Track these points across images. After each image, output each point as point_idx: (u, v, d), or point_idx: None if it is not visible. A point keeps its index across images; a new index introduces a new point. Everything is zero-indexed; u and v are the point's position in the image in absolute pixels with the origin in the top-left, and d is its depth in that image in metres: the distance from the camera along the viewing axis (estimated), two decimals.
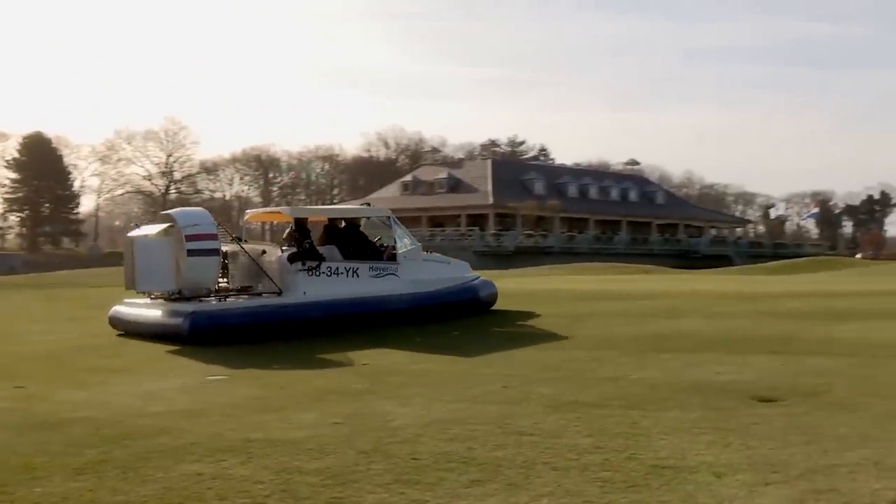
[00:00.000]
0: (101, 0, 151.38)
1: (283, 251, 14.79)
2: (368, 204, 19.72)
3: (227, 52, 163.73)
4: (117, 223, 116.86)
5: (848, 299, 16.22)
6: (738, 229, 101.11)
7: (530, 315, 15.31)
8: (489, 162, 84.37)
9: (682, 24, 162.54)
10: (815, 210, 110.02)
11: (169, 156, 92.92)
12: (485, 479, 4.94)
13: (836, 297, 17.03)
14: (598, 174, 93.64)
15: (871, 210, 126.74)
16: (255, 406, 7.48)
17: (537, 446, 5.63)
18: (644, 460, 5.23)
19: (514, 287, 19.73)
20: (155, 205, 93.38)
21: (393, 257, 15.50)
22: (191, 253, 13.29)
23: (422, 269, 15.74)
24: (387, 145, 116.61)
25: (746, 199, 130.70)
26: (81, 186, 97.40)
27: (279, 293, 14.06)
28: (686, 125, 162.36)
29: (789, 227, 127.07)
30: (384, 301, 14.74)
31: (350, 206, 19.60)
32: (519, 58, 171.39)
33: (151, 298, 14.28)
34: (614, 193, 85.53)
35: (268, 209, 17.27)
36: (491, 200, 71.79)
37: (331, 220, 16.33)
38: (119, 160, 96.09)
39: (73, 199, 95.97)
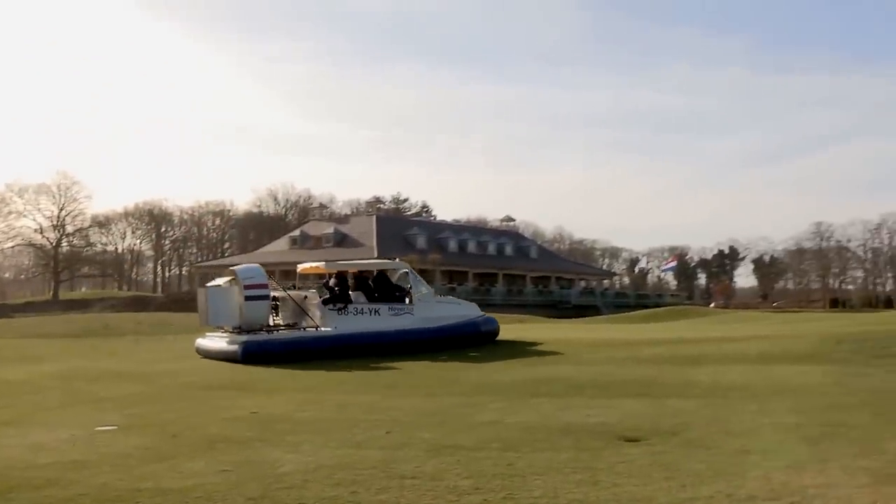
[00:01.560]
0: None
1: (321, 296, 18.76)
2: (395, 258, 24.46)
3: (120, 109, 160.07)
4: (7, 275, 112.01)
5: (702, 346, 16.74)
6: (605, 281, 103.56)
7: (413, 363, 15.32)
8: (374, 218, 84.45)
9: (551, 92, 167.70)
10: (673, 263, 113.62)
11: (61, 209, 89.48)
12: None
13: (692, 343, 17.56)
14: (476, 230, 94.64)
15: (722, 263, 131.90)
16: (145, 456, 7.20)
17: (419, 489, 5.60)
18: (520, 500, 5.26)
19: None
20: (46, 258, 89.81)
21: (410, 300, 19.08)
22: (248, 298, 17.36)
23: (433, 309, 19.19)
24: (276, 201, 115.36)
25: (612, 253, 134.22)
26: None
27: (317, 328, 17.94)
28: (557, 185, 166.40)
29: (651, 278, 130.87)
30: (397, 333, 18.18)
31: (375, 261, 25.04)
32: (402, 120, 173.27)
33: (223, 332, 17.88)
34: (491, 248, 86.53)
35: (313, 264, 21.55)
36: (376, 255, 71.56)
37: (360, 271, 20.32)
38: (9, 213, 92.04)
39: None
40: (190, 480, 6.04)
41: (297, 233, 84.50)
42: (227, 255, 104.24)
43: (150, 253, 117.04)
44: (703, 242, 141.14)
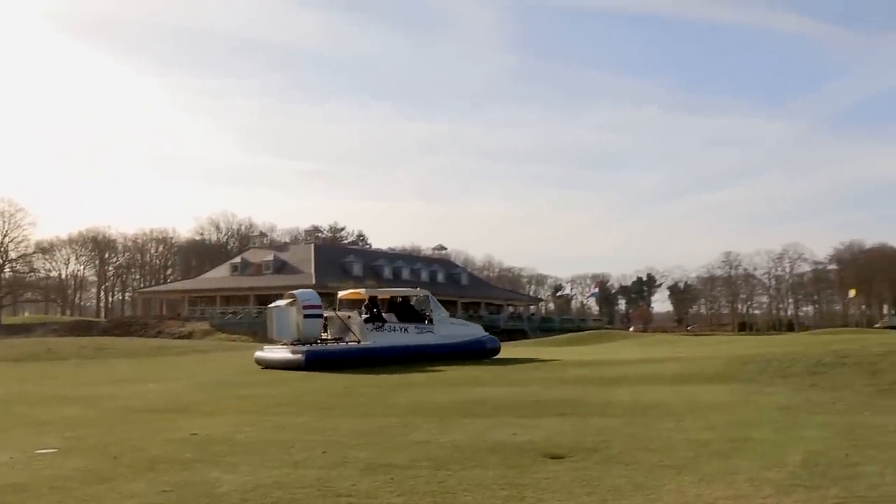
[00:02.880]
0: None
1: (361, 316, 21.56)
2: (418, 286, 29.14)
3: (66, 138, 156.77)
4: None
5: (622, 367, 16.94)
6: (532, 306, 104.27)
7: (349, 385, 15.20)
8: (312, 246, 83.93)
9: (478, 128, 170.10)
10: (596, 289, 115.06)
11: (4, 236, 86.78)
12: None
13: (613, 365, 17.76)
14: (409, 258, 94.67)
15: (640, 290, 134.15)
16: (85, 478, 6.96)
17: None
18: None
19: None
20: None
21: (431, 321, 22.09)
22: (306, 317, 20.19)
23: (448, 329, 22.43)
24: (218, 229, 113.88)
25: (538, 280, 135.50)
26: None
27: (358, 342, 20.78)
28: (485, 215, 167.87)
29: (574, 304, 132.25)
30: (421, 347, 21.09)
31: (403, 290, 27.71)
32: (339, 153, 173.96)
33: (283, 345, 20.50)
34: (424, 275, 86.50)
35: (352, 290, 25.08)
36: (314, 281, 71.00)
37: (392, 297, 23.39)
38: None
39: None
40: (130, 501, 5.87)
41: (238, 260, 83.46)
42: (169, 280, 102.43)
43: (93, 279, 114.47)
44: (622, 270, 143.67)
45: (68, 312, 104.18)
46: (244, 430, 9.79)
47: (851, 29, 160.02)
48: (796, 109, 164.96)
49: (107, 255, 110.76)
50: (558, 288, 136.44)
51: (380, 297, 23.01)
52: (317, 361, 19.22)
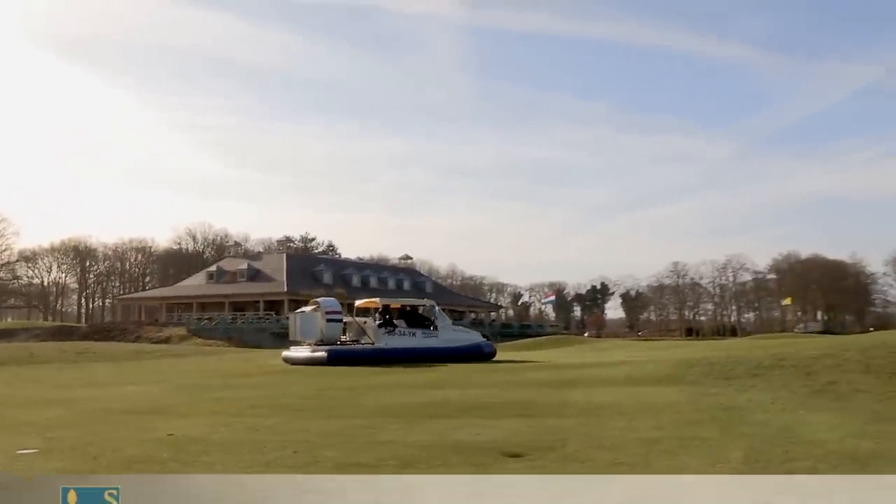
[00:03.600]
0: None
1: (375, 321, 23.67)
2: (425, 298, 29.31)
3: (51, 151, 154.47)
4: None
5: (577, 370, 17.00)
6: (493, 313, 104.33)
7: (321, 388, 15.08)
8: (284, 255, 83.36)
9: (440, 145, 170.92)
10: (553, 297, 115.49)
11: None
12: None
13: (568, 368, 17.82)
14: (377, 267, 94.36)
15: (595, 297, 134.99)
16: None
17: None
18: None
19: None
20: None
21: (436, 327, 23.89)
22: (328, 321, 22.30)
23: (451, 334, 24.01)
24: (195, 239, 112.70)
25: (499, 288, 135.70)
26: None
27: (373, 344, 22.61)
28: (448, 227, 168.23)
29: (533, 311, 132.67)
30: (427, 350, 22.60)
31: (413, 300, 29.94)
32: (310, 167, 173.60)
33: (306, 345, 22.56)
34: (391, 283, 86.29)
35: (368, 299, 26.32)
36: (286, 289, 70.67)
37: (402, 305, 25.65)
38: None
39: None
40: None
41: (213, 268, 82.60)
42: (148, 288, 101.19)
43: (74, 286, 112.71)
44: (578, 279, 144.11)
45: (50, 318, 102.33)
46: (219, 431, 9.67)
47: (787, 56, 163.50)
48: (737, 129, 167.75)
49: (87, 264, 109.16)
50: (517, 296, 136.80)
51: (392, 305, 25.04)
52: (337, 359, 21.08)
